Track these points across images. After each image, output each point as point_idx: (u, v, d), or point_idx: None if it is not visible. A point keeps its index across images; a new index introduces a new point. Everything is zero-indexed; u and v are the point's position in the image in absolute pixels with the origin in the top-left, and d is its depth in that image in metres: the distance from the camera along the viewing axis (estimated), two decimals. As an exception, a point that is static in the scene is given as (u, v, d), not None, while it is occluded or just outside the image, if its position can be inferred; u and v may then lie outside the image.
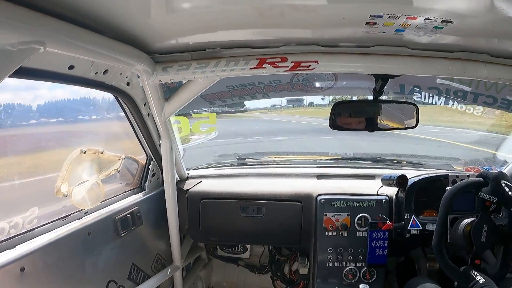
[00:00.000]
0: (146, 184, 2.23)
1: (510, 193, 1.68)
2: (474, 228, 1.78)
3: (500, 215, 2.02)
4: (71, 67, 1.31)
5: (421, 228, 2.16)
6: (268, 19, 1.22)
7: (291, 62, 1.52)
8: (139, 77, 1.64)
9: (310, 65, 1.53)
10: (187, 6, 1.13)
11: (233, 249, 2.89)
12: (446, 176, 2.23)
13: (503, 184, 1.72)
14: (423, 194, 2.27)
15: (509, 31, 1.29)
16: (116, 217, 1.86)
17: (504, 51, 1.52)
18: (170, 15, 1.20)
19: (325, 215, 2.31)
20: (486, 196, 1.76)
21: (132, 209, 2.00)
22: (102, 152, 1.79)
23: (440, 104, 3.10)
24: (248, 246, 2.87)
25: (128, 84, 1.67)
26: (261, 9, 1.14)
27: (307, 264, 2.56)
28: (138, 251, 2.08)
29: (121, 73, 1.58)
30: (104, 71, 1.47)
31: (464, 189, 1.81)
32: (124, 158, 1.99)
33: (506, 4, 1.07)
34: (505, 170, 2.43)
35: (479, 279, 1.68)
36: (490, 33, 1.35)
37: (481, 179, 1.79)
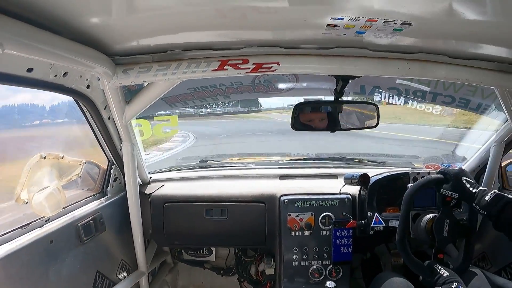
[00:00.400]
0: (108, 189, 2.17)
1: (471, 189, 1.73)
2: (436, 223, 1.84)
3: (461, 210, 2.09)
4: (29, 70, 1.26)
5: (384, 225, 2.22)
6: (230, 21, 1.23)
7: (253, 63, 1.53)
8: (99, 79, 1.61)
9: (271, 67, 1.54)
10: (148, 7, 1.12)
11: (198, 252, 2.87)
12: (407, 174, 2.31)
13: (464, 181, 1.77)
14: (385, 191, 2.33)
15: (466, 33, 1.35)
16: (79, 224, 1.81)
17: (461, 52, 1.58)
18: (131, 16, 1.18)
19: (289, 215, 2.33)
20: (448, 192, 1.81)
21: (95, 215, 1.94)
22: (63, 157, 1.73)
23: (400, 104, 3.20)
24: (213, 248, 2.86)
25: (88, 87, 1.63)
26: (223, 10, 1.14)
27: (273, 265, 2.57)
28: (102, 258, 2.03)
29: (81, 76, 1.54)
30: (64, 74, 1.42)
31: (425, 186, 1.87)
32: (85, 162, 1.93)
33: (463, 8, 1.12)
34: (464, 166, 2.54)
35: (443, 273, 1.73)
36: (448, 35, 1.40)
37: (441, 176, 1.85)
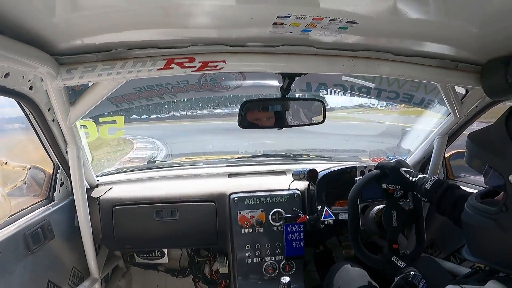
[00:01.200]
0: (55, 194, 2.10)
1: (410, 178, 1.81)
2: (384, 215, 1.90)
3: (408, 200, 2.21)
4: None
5: (334, 218, 2.30)
6: (175, 19, 1.23)
7: (199, 62, 1.52)
8: (42, 80, 1.55)
9: (217, 65, 1.54)
10: (93, 4, 1.10)
11: (150, 255, 2.84)
12: (354, 168, 2.42)
13: (402, 172, 1.85)
14: (333, 185, 2.42)
15: (410, 32, 1.41)
16: (26, 232, 1.74)
17: (405, 50, 1.64)
18: (75, 14, 1.16)
19: (240, 213, 2.36)
20: (389, 186, 1.89)
21: (42, 222, 1.88)
22: (6, 162, 1.65)
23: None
24: (165, 250, 2.83)
25: (31, 88, 1.56)
26: (168, 8, 1.14)
27: (226, 263, 2.59)
28: (53, 267, 1.96)
29: (23, 76, 1.48)
30: (5, 75, 1.36)
31: (366, 184, 1.92)
32: (30, 168, 1.86)
33: (407, 7, 1.18)
34: (409, 158, 2.68)
35: (400, 264, 1.79)
36: (392, 33, 1.45)
37: (379, 171, 1.91)
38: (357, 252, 1.91)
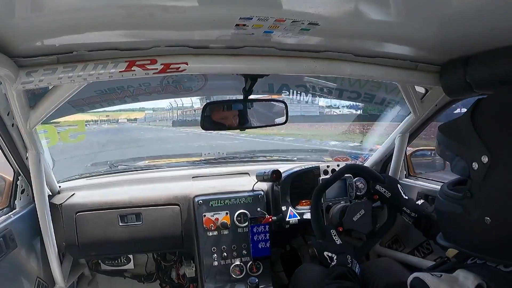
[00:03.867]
0: (16, 202, 2.05)
1: (404, 195, 2.01)
2: (351, 206, 2.02)
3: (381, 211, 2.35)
4: None
5: (299, 218, 2.36)
6: (137, 20, 1.22)
7: (161, 64, 1.52)
8: (1, 83, 1.50)
9: (179, 67, 1.54)
10: (53, 5, 1.09)
11: (116, 262, 2.82)
12: (317, 167, 2.48)
13: (399, 186, 2.04)
14: (297, 186, 2.48)
15: (371, 33, 1.44)
16: None
17: (366, 51, 1.67)
18: (35, 14, 1.13)
19: (204, 215, 2.38)
20: (382, 190, 2.02)
21: (4, 232, 1.82)
22: (-36, 171, 1.59)
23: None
24: (131, 256, 2.82)
25: None
26: (130, 9, 1.14)
27: (193, 267, 2.62)
28: (16, 278, 1.91)
29: None
30: None
31: (367, 178, 2.14)
32: (-12, 175, 1.80)
33: (368, 8, 1.20)
34: (372, 157, 2.79)
35: (336, 240, 1.86)
36: (353, 34, 1.47)
37: (380, 176, 2.10)
38: (313, 210, 1.98)
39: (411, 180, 2.62)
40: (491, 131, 1.12)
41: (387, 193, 2.03)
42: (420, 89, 2.16)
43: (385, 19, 1.31)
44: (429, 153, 2.88)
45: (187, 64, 1.55)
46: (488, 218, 1.10)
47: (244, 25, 1.29)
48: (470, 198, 1.15)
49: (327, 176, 2.38)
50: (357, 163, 2.98)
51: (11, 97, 1.58)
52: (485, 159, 1.09)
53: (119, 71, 1.51)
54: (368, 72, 1.77)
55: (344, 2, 1.16)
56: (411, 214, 1.93)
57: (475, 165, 1.12)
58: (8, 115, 1.71)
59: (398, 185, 2.08)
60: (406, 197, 2.03)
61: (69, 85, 1.66)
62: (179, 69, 1.56)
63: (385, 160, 2.71)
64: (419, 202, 2.00)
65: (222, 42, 1.53)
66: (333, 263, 1.78)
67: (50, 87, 1.68)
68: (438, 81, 1.80)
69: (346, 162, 2.79)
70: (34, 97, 1.73)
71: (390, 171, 2.59)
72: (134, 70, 1.51)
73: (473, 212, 1.14)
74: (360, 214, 1.99)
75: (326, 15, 1.23)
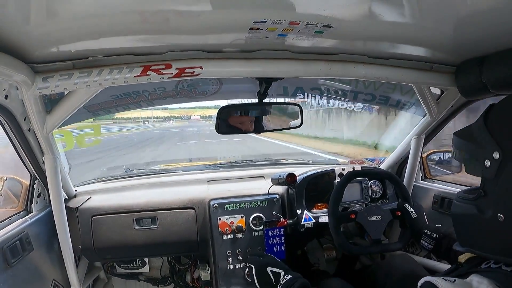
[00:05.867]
0: (33, 205, 2.06)
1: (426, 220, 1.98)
2: (372, 206, 2.03)
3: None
4: None
5: (314, 221, 2.32)
6: (152, 25, 1.22)
7: (176, 68, 1.52)
8: (18, 89, 1.53)
9: (194, 71, 1.53)
10: (68, 12, 1.09)
11: (131, 265, 2.83)
12: (332, 170, 2.46)
13: (424, 215, 2.01)
14: (312, 189, 2.45)
15: (385, 34, 1.42)
16: (4, 246, 1.70)
17: (380, 52, 1.65)
18: (50, 21, 1.14)
19: (219, 219, 2.36)
20: (410, 209, 2.01)
21: (20, 235, 1.84)
22: (-19, 174, 1.62)
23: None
24: (146, 259, 2.82)
25: (6, 97, 1.53)
26: (145, 15, 1.14)
27: (208, 270, 2.60)
28: (33, 280, 1.92)
29: None
30: None
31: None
32: (6, 179, 1.82)
33: (382, 10, 1.18)
34: (387, 159, 2.76)
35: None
36: (367, 36, 1.46)
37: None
38: (335, 237, 1.98)
39: (427, 183, 2.58)
40: (503, 129, 1.12)
41: (413, 213, 1.99)
42: (436, 90, 2.13)
43: (399, 21, 1.29)
44: (445, 155, 2.84)
45: (202, 68, 1.54)
46: (501, 215, 1.09)
47: (258, 28, 1.28)
48: (484, 197, 1.15)
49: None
50: (373, 165, 2.95)
51: (28, 102, 1.59)
52: (496, 155, 1.09)
53: (134, 76, 1.51)
54: (383, 74, 1.74)
55: (357, 4, 1.14)
56: (432, 235, 1.88)
57: (487, 163, 1.12)
58: (25, 120, 1.73)
59: (424, 211, 2.05)
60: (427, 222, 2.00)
61: (85, 90, 1.67)
62: (194, 74, 1.55)
63: (401, 162, 2.68)
64: (439, 225, 1.96)
65: (236, 46, 1.52)
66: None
67: (66, 92, 1.69)
68: (454, 82, 1.76)
69: (362, 165, 2.74)
70: (50, 102, 1.75)
71: (405, 174, 2.56)
72: (149, 74, 1.51)
73: (487, 211, 1.13)
74: (376, 218, 1.98)
75: (339, 17, 1.22)
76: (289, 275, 1.73)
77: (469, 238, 1.25)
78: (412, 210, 2.00)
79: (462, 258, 1.40)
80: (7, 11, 1.03)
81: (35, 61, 1.41)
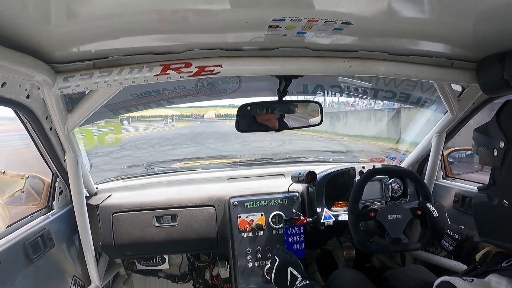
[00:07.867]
0: (54, 203, 2.10)
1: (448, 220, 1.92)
2: (392, 204, 1.98)
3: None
4: None
5: (334, 219, 2.31)
6: (171, 24, 1.22)
7: (195, 67, 1.51)
8: (39, 88, 1.54)
9: (214, 70, 1.53)
10: (88, 13, 1.09)
11: (151, 262, 2.85)
12: (353, 168, 2.43)
13: (446, 213, 1.95)
14: (332, 187, 2.43)
15: (405, 31, 1.40)
16: (26, 242, 1.73)
17: (400, 49, 1.63)
18: (71, 22, 1.15)
19: (239, 217, 2.36)
20: (432, 208, 1.93)
21: (42, 231, 1.87)
22: (4, 172, 1.64)
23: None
24: (166, 256, 2.84)
25: (28, 97, 1.55)
26: (164, 14, 1.13)
27: (227, 267, 2.61)
28: (54, 276, 1.95)
29: (20, 85, 1.46)
30: (2, 84, 1.34)
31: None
32: (28, 177, 1.85)
33: (402, 6, 1.17)
34: (408, 157, 2.71)
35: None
36: (387, 33, 1.44)
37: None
38: (353, 231, 1.95)
39: (448, 181, 2.53)
40: (510, 121, 1.18)
41: (435, 212, 1.93)
42: (457, 87, 2.09)
43: (419, 16, 1.26)
44: (467, 153, 2.77)
45: (221, 67, 1.54)
46: (506, 201, 1.13)
47: (277, 26, 1.27)
48: (493, 185, 1.21)
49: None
50: (393, 164, 2.90)
51: (49, 101, 1.60)
52: (502, 144, 1.16)
53: (154, 75, 1.52)
54: (403, 71, 1.71)
55: (376, 0, 1.12)
56: (454, 236, 1.82)
57: (495, 152, 1.18)
58: (46, 119, 1.74)
59: (446, 211, 1.99)
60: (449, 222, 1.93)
61: (105, 89, 1.68)
62: (213, 72, 1.55)
63: (421, 160, 2.63)
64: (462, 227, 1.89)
65: (256, 44, 1.51)
66: None
67: (86, 92, 1.70)
68: (475, 79, 1.71)
69: (382, 163, 2.70)
70: (71, 101, 1.76)
71: (426, 172, 2.51)
72: (169, 73, 1.52)
73: (494, 198, 1.19)
74: (396, 216, 1.94)
75: (359, 14, 1.20)
76: (307, 281, 1.71)
77: (483, 228, 1.30)
78: (433, 209, 1.94)
79: (478, 256, 1.46)
80: (28, 12, 1.04)
81: (56, 61, 1.42)
